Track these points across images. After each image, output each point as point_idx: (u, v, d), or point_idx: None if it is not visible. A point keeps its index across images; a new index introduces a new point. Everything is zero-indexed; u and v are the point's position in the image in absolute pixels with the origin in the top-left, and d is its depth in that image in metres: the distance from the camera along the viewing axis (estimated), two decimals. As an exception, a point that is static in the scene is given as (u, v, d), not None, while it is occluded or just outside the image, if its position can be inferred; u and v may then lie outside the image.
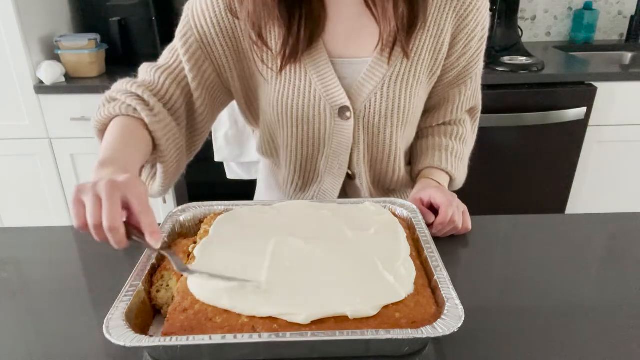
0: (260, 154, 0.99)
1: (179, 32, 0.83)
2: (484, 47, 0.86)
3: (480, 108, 0.97)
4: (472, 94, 0.91)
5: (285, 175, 0.93)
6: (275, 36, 0.78)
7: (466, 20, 0.80)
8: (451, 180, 0.90)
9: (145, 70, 0.82)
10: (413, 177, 0.94)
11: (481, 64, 0.88)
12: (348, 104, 0.80)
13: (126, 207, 0.56)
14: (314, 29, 0.77)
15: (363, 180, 0.89)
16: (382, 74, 0.79)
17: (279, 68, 0.79)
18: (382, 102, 0.81)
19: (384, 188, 0.93)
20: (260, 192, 1.08)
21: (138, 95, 0.76)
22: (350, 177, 0.90)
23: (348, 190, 0.92)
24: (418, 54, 0.80)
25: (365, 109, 0.81)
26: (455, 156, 0.90)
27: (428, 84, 0.85)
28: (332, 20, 0.79)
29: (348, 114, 0.81)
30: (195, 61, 0.81)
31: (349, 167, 0.88)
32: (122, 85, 0.79)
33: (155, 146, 0.77)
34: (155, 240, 0.56)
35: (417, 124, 0.91)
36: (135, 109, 0.74)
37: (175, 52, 0.82)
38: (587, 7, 2.19)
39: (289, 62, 0.78)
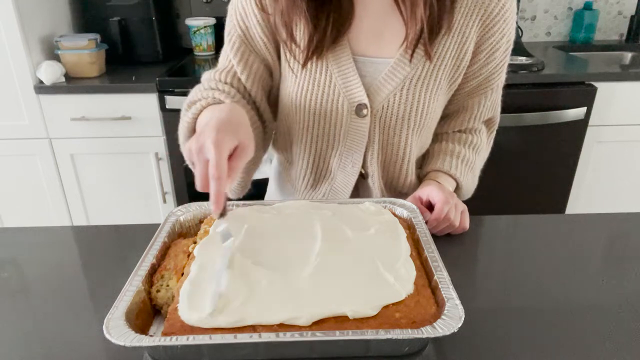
0: (274, 149, 1.00)
1: (226, 32, 0.85)
2: (507, 59, 0.85)
3: (498, 120, 0.95)
4: (491, 105, 0.90)
5: (297, 171, 0.94)
6: (301, 31, 0.79)
7: (492, 30, 0.79)
8: (458, 187, 0.89)
9: (209, 76, 0.84)
10: (421, 179, 0.93)
11: (503, 76, 0.87)
12: (366, 101, 0.80)
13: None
14: (341, 26, 0.78)
15: (375, 180, 0.89)
16: (403, 75, 0.79)
17: (302, 62, 0.80)
18: (400, 103, 0.81)
19: (395, 190, 0.93)
20: (271, 189, 1.08)
21: (213, 88, 0.80)
22: (362, 177, 0.90)
23: (360, 189, 0.92)
24: (440, 58, 0.79)
25: (383, 108, 0.81)
26: (465, 164, 0.89)
27: (448, 91, 0.85)
28: (359, 18, 0.79)
29: (365, 111, 0.81)
30: (240, 56, 0.83)
31: (362, 166, 0.88)
32: (196, 90, 0.82)
33: None
34: (214, 210, 0.59)
35: (433, 129, 0.91)
36: (214, 97, 0.78)
37: (227, 53, 0.85)
38: (587, 7, 2.19)
39: (313, 57, 0.79)
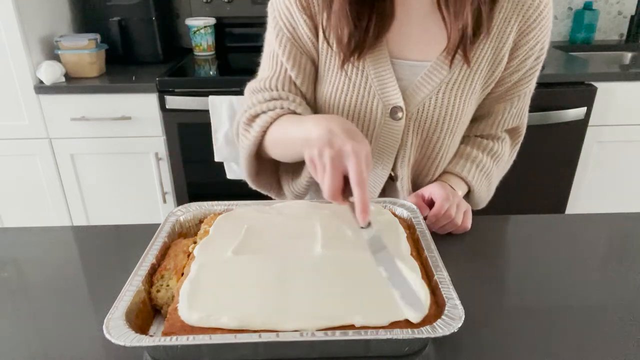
0: None
1: (272, 35, 0.83)
2: (539, 67, 0.84)
3: (523, 132, 0.94)
4: (517, 112, 0.89)
5: None
6: (334, 27, 0.78)
7: (527, 36, 0.79)
8: (470, 192, 0.89)
9: (260, 86, 0.83)
10: None
11: (532, 85, 0.87)
12: (402, 104, 0.80)
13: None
14: (381, 28, 0.78)
15: (404, 184, 0.88)
16: (439, 79, 0.79)
17: (340, 62, 0.80)
18: (435, 107, 0.80)
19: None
20: None
21: (275, 98, 0.80)
22: (392, 179, 0.89)
23: (388, 191, 0.92)
24: (477, 63, 0.79)
25: (418, 112, 0.81)
26: (480, 169, 0.88)
27: (481, 95, 0.85)
28: (399, 21, 0.79)
29: (400, 114, 0.81)
30: (293, 59, 0.82)
31: (392, 169, 0.88)
32: (250, 105, 0.81)
33: None
34: (363, 220, 0.59)
35: (462, 133, 0.90)
36: (282, 107, 0.78)
37: (277, 57, 0.83)
38: (587, 7, 2.19)
39: (351, 58, 0.79)
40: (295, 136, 0.70)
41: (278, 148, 0.79)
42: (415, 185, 0.91)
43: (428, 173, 0.89)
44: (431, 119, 0.82)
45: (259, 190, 0.91)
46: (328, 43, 0.80)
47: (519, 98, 0.86)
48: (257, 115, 0.80)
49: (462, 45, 0.76)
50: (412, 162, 0.87)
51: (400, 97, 0.80)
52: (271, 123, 0.78)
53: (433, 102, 0.80)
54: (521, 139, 0.95)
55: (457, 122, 0.83)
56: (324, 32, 0.79)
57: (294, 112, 0.79)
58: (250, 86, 0.85)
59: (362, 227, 0.60)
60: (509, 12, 0.77)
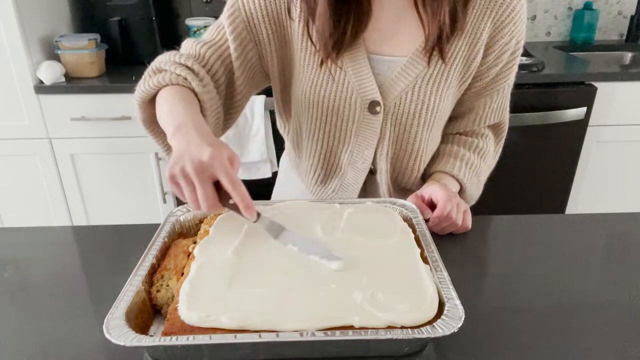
0: (287, 143, 1.01)
1: (226, 9, 0.83)
2: (516, 62, 0.86)
3: (506, 128, 0.95)
4: (497, 107, 0.90)
5: (307, 166, 0.95)
6: (319, 29, 0.78)
7: (502, 32, 0.80)
8: (462, 190, 0.90)
9: (189, 44, 0.84)
10: (425, 179, 0.94)
11: (511, 80, 0.88)
12: (379, 99, 0.82)
13: (216, 181, 0.61)
14: (359, 27, 0.79)
15: (383, 177, 0.90)
16: (415, 74, 0.80)
17: (320, 61, 0.81)
18: (412, 101, 0.82)
19: (399, 186, 0.94)
20: (280, 184, 1.09)
21: (187, 66, 0.78)
22: (371, 172, 0.91)
23: (367, 184, 0.93)
24: (452, 58, 0.80)
25: (395, 105, 0.82)
26: (469, 167, 0.89)
27: (458, 90, 0.86)
28: (374, 17, 0.80)
29: (378, 108, 0.82)
30: (240, 41, 0.82)
31: (372, 162, 0.89)
32: (167, 57, 0.81)
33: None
34: (250, 215, 0.62)
35: (443, 128, 0.92)
36: (185, 79, 0.76)
37: (221, 29, 0.83)
38: (587, 7, 2.19)
39: (331, 56, 0.80)
40: (167, 112, 0.72)
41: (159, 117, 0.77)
42: (395, 180, 0.93)
43: (406, 167, 0.90)
44: (407, 113, 0.83)
45: (152, 137, 0.91)
46: (312, 41, 0.80)
47: (498, 93, 0.88)
48: (162, 70, 0.79)
49: (439, 42, 0.77)
50: (391, 156, 0.88)
51: (377, 92, 0.81)
52: (164, 86, 0.76)
53: (409, 96, 0.82)
54: (504, 135, 0.97)
55: (433, 116, 0.84)
56: (309, 34, 0.80)
57: (193, 90, 0.77)
58: (187, 43, 0.85)
59: (254, 222, 0.64)
60: (482, 8, 0.79)
